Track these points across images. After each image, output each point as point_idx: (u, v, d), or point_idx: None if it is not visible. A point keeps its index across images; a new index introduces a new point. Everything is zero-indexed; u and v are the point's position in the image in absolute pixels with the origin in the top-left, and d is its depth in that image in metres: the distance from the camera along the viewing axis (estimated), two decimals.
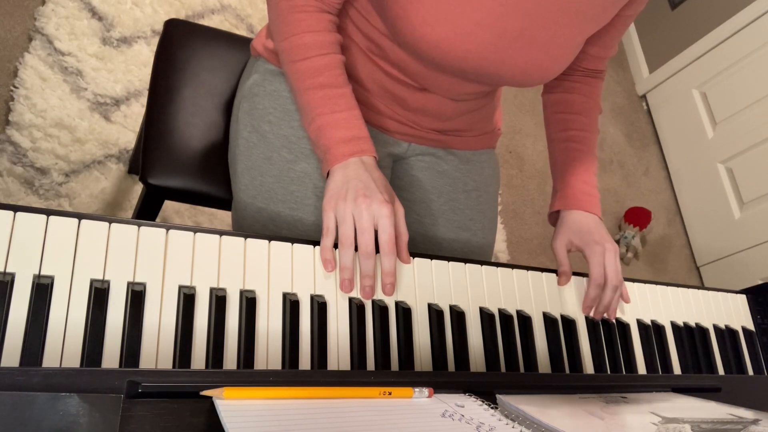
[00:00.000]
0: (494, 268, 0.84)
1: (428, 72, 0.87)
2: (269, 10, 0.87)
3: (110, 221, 0.62)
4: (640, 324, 0.94)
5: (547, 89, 1.05)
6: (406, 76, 0.90)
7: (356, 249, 0.73)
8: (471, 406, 0.56)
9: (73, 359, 0.56)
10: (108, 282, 0.60)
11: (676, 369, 0.94)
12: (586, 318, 0.89)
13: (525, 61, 0.83)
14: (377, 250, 0.74)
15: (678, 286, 1.01)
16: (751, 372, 1.03)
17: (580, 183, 0.95)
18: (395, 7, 0.79)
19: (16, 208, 0.58)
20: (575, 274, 0.92)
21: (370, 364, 0.70)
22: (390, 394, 0.55)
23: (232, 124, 0.99)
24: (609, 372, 0.87)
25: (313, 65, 0.81)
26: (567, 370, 0.83)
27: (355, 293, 0.73)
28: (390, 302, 0.74)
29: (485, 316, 0.79)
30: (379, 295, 0.74)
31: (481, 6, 0.77)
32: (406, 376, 0.62)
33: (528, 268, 0.87)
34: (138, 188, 1.53)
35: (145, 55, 1.65)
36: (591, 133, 0.99)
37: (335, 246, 0.74)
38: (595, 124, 1.01)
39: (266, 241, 0.70)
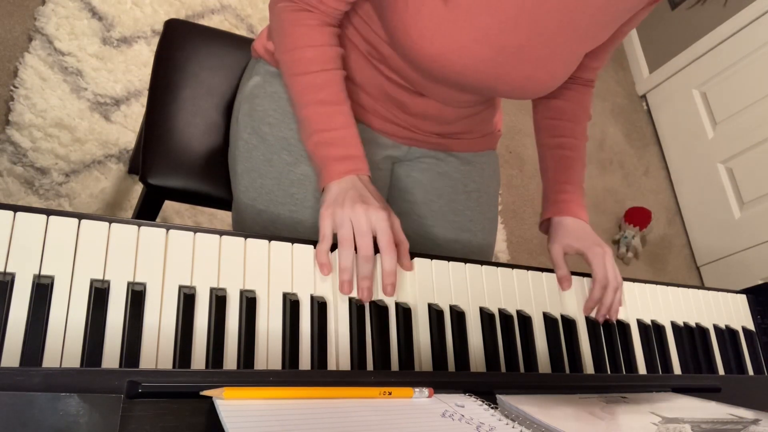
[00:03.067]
0: (494, 268, 0.84)
1: (426, 82, 0.87)
2: (271, 18, 0.87)
3: (110, 221, 0.62)
4: (640, 324, 0.94)
5: None
6: (407, 81, 0.90)
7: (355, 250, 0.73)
8: (471, 406, 0.56)
9: (73, 359, 0.56)
10: (108, 282, 0.60)
11: (676, 369, 0.94)
12: (586, 318, 0.89)
13: (523, 76, 0.83)
14: (376, 253, 0.74)
15: (678, 286, 1.01)
16: (751, 372, 1.03)
17: (570, 192, 0.97)
18: (394, 19, 0.79)
19: (16, 208, 0.58)
20: (573, 273, 0.91)
21: (370, 364, 0.70)
22: (390, 394, 0.55)
23: (232, 125, 0.99)
24: (609, 372, 0.87)
25: (314, 81, 0.81)
26: (567, 370, 0.83)
27: (355, 293, 0.73)
28: (390, 302, 0.74)
29: (485, 316, 0.79)
30: (379, 295, 0.74)
31: (480, 22, 0.77)
32: (406, 376, 0.62)
33: (528, 268, 0.87)
34: (138, 188, 1.53)
35: (145, 55, 1.65)
36: (580, 141, 1.01)
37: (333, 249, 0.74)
38: (585, 131, 1.02)
39: (266, 241, 0.70)
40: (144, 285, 0.61)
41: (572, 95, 1.02)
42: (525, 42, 0.80)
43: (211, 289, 0.65)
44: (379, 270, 0.75)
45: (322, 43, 0.82)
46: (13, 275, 0.56)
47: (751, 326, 1.08)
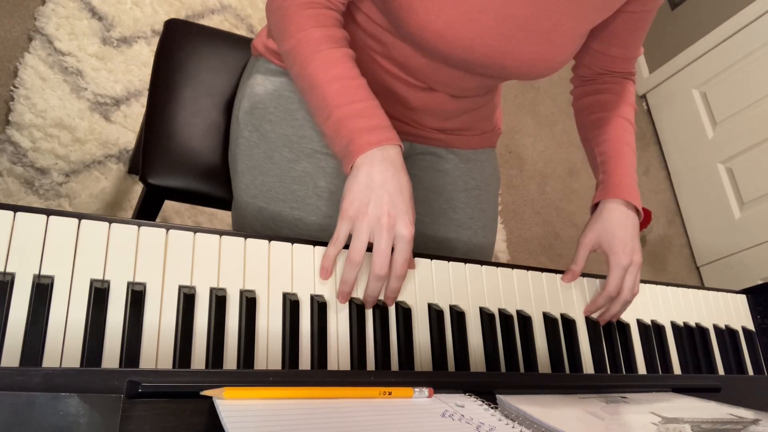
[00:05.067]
0: (494, 268, 0.84)
1: (432, 66, 0.87)
2: (270, 14, 0.85)
3: (110, 221, 0.62)
4: (640, 324, 0.94)
5: (578, 96, 1.04)
6: (408, 74, 0.90)
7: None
8: (471, 406, 0.56)
9: (73, 359, 0.56)
10: (108, 282, 0.60)
11: (676, 369, 0.94)
12: (586, 318, 0.89)
13: (529, 50, 0.83)
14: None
15: (678, 286, 1.01)
16: (751, 372, 1.03)
17: (622, 173, 0.91)
18: None
19: (16, 208, 0.58)
20: (582, 275, 0.91)
21: (370, 364, 0.70)
22: (390, 394, 0.55)
23: (233, 123, 0.99)
24: (609, 372, 0.87)
25: (326, 58, 0.78)
26: (567, 370, 0.83)
27: (355, 293, 0.73)
28: None
29: (485, 316, 0.79)
30: (379, 296, 0.74)
31: None
32: (406, 376, 0.62)
33: (528, 268, 0.87)
34: (138, 188, 1.53)
35: (145, 55, 1.65)
36: (624, 126, 0.96)
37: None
38: (630, 118, 0.97)
39: (266, 241, 0.70)
40: (144, 285, 0.61)
41: (613, 88, 0.99)
42: (529, 13, 0.80)
43: (211, 289, 0.65)
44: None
45: (329, 25, 0.80)
46: (13, 275, 0.56)
47: (751, 326, 1.08)
